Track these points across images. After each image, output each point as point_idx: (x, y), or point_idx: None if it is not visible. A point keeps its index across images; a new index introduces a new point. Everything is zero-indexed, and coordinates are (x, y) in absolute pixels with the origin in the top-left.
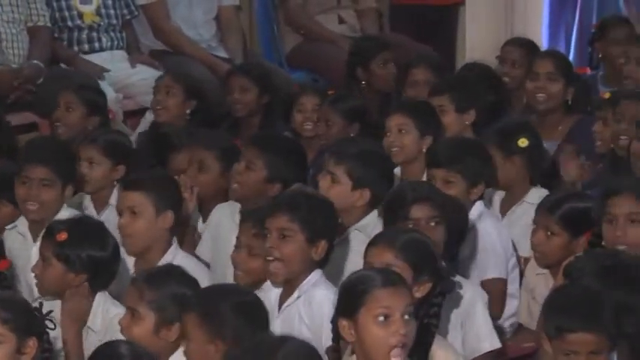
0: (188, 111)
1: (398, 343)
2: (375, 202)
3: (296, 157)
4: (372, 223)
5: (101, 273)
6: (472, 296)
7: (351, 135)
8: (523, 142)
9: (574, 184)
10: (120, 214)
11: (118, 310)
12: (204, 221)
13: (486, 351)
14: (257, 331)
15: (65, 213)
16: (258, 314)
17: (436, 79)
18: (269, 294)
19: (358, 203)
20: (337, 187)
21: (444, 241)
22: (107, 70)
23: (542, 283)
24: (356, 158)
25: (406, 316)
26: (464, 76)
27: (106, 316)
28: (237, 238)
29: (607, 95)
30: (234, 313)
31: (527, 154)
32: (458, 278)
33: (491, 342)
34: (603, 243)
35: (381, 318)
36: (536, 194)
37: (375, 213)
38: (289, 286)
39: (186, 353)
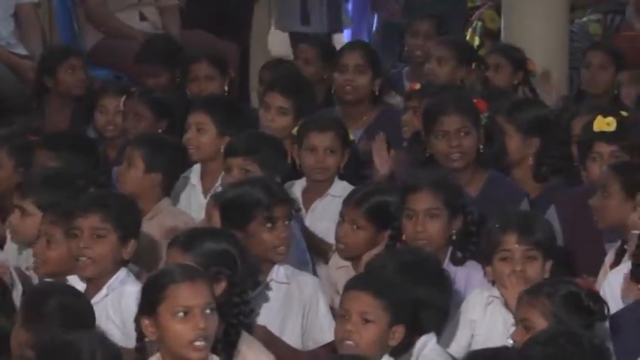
0: None
1: (197, 338)
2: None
3: (87, 151)
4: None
5: None
6: (314, 288)
7: (159, 131)
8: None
9: (386, 175)
10: None
11: None
12: (2, 221)
13: (329, 341)
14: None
15: None
16: (85, 315)
17: (220, 74)
18: None
19: (151, 186)
20: (132, 170)
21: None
22: None
23: (343, 276)
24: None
25: (207, 310)
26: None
27: None
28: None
29: (417, 86)
30: (60, 310)
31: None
32: (297, 271)
33: (333, 333)
34: (404, 237)
35: (181, 314)
36: (340, 187)
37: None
38: (95, 284)
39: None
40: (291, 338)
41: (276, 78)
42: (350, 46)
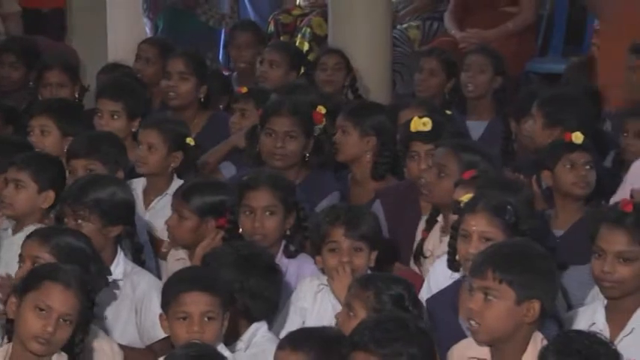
0: None
1: (43, 336)
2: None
3: None
4: None
5: None
6: (148, 286)
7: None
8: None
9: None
10: None
11: None
12: None
13: (163, 337)
14: None
15: None
16: None
17: (70, 81)
18: None
19: (44, 205)
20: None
21: None
22: None
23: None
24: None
25: (63, 319)
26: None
27: None
28: None
29: (244, 90)
30: None
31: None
32: (136, 269)
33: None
34: (240, 231)
35: (43, 311)
36: (177, 185)
37: None
38: None
39: None
40: (124, 335)
41: (103, 84)
42: (174, 54)
